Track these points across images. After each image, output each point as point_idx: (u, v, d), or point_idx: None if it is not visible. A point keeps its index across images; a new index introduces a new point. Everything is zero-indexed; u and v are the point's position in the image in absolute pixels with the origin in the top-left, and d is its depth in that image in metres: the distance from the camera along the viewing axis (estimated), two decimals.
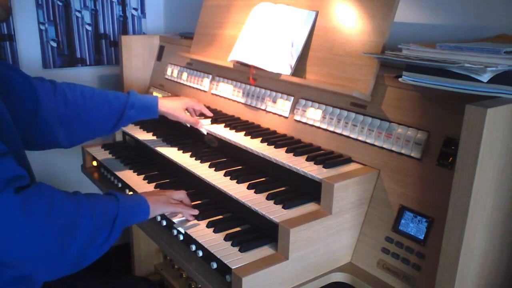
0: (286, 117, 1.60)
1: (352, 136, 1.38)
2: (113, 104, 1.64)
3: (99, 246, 1.13)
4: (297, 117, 1.56)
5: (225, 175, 1.49)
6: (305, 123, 1.53)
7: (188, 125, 1.77)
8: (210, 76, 1.99)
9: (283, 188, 1.40)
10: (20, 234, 0.98)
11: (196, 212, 1.41)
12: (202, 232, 1.36)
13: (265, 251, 1.24)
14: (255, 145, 1.50)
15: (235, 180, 1.45)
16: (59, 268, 1.08)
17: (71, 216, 1.07)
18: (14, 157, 1.07)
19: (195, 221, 1.41)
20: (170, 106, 1.74)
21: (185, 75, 2.15)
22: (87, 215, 1.10)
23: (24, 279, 1.11)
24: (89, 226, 1.10)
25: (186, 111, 1.79)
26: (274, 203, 1.30)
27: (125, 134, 2.17)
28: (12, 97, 1.38)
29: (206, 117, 1.80)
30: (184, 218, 1.42)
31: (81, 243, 1.09)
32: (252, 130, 1.62)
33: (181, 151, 1.71)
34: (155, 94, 2.28)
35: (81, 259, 1.10)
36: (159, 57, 2.42)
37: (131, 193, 1.70)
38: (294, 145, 1.47)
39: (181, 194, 1.44)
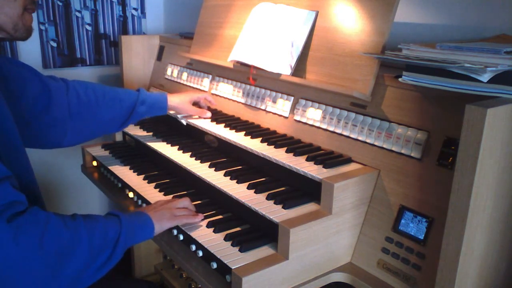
0: (286, 117, 1.60)
1: (352, 136, 1.38)
2: (124, 100, 1.67)
3: (97, 270, 1.11)
4: (297, 117, 1.56)
5: (225, 175, 1.49)
6: (305, 123, 1.53)
7: (184, 123, 1.77)
8: (210, 76, 1.99)
9: (283, 188, 1.40)
10: (10, 261, 0.97)
11: (199, 219, 1.40)
12: (202, 232, 1.36)
13: (265, 251, 1.24)
14: (255, 145, 1.50)
15: (235, 180, 1.45)
16: None
17: (66, 243, 1.05)
18: (13, 180, 1.05)
19: (196, 216, 1.40)
20: (178, 101, 1.78)
21: (185, 75, 2.15)
22: (83, 241, 1.08)
23: None
24: (85, 252, 1.08)
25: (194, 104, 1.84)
26: (274, 203, 1.30)
27: (125, 134, 2.17)
28: (26, 98, 1.39)
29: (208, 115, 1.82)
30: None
31: (75, 268, 1.07)
32: (252, 130, 1.62)
33: (181, 151, 1.72)
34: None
35: (76, 283, 1.09)
36: (159, 57, 2.42)
37: (131, 193, 1.70)
38: (294, 145, 1.47)
39: (185, 202, 1.42)
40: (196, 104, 1.85)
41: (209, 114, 1.79)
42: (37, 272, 1.01)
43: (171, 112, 1.82)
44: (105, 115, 1.63)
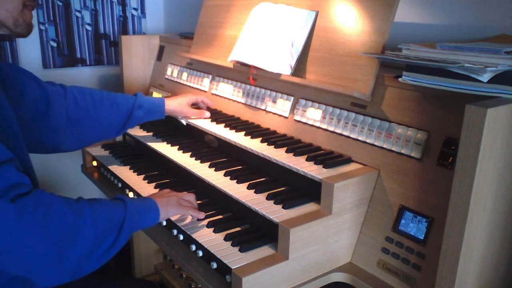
0: (286, 117, 1.60)
1: (352, 136, 1.38)
2: (121, 105, 1.67)
3: (103, 253, 1.11)
4: (297, 117, 1.56)
5: (225, 175, 1.49)
6: (305, 123, 1.53)
7: (184, 123, 1.78)
8: (210, 76, 2.00)
9: (283, 188, 1.40)
10: (15, 241, 0.97)
11: (202, 215, 1.40)
12: (202, 232, 1.36)
13: (265, 251, 1.24)
14: (255, 145, 1.50)
15: (235, 180, 1.45)
16: (56, 276, 1.06)
17: (70, 225, 1.05)
18: (17, 164, 1.06)
19: (202, 213, 1.41)
20: (176, 105, 1.78)
21: (185, 75, 2.15)
22: (88, 224, 1.08)
23: (23, 281, 1.10)
24: (90, 235, 1.08)
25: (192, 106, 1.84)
26: (274, 203, 1.30)
27: (125, 134, 2.16)
28: (25, 103, 1.39)
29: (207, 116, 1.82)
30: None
31: (80, 251, 1.07)
32: (252, 130, 1.62)
33: (181, 151, 1.72)
34: (155, 94, 2.28)
35: (82, 267, 1.09)
36: (159, 57, 2.42)
37: (131, 193, 1.70)
38: (294, 145, 1.47)
39: (191, 197, 1.42)
40: (194, 105, 1.85)
41: (208, 114, 1.79)
42: (43, 253, 1.01)
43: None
44: (103, 120, 1.63)
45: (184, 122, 1.78)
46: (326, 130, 1.46)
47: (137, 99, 1.70)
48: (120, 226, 1.15)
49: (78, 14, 2.56)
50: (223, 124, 1.70)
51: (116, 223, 1.15)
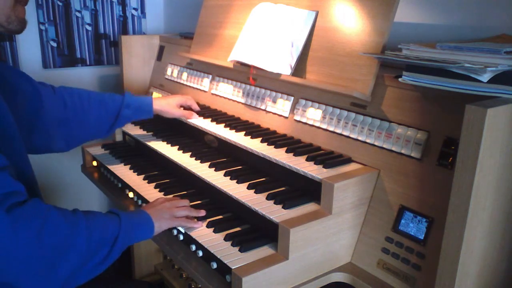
0: (286, 117, 1.60)
1: (352, 136, 1.38)
2: (109, 105, 1.68)
3: (94, 267, 1.11)
4: (297, 117, 1.56)
5: (225, 175, 1.49)
6: (305, 123, 1.53)
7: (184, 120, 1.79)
8: (210, 76, 2.00)
9: (283, 188, 1.40)
10: (7, 251, 0.97)
11: (200, 224, 1.38)
12: (202, 232, 1.36)
13: (265, 251, 1.24)
14: (255, 145, 1.50)
15: (235, 180, 1.45)
16: (46, 286, 1.05)
17: (65, 237, 1.05)
18: (12, 171, 1.06)
19: (195, 221, 1.41)
20: (164, 104, 1.78)
21: (185, 75, 2.15)
22: (82, 237, 1.08)
23: None
24: (83, 247, 1.08)
25: (181, 107, 1.84)
26: (274, 203, 1.30)
27: (125, 134, 2.17)
28: (19, 103, 1.39)
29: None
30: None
31: (73, 264, 1.06)
32: (252, 130, 1.62)
33: (181, 151, 1.72)
34: (155, 94, 2.29)
35: (72, 279, 1.08)
36: (159, 57, 2.42)
37: (131, 193, 1.70)
38: (294, 145, 1.47)
39: (184, 211, 1.40)
40: (187, 108, 1.85)
41: (195, 116, 1.79)
42: (34, 264, 1.01)
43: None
44: (91, 120, 1.64)
45: (196, 117, 1.78)
46: (326, 130, 1.46)
47: (125, 98, 1.71)
48: (113, 242, 1.15)
49: (78, 14, 2.56)
50: (223, 124, 1.70)
51: (110, 238, 1.15)
